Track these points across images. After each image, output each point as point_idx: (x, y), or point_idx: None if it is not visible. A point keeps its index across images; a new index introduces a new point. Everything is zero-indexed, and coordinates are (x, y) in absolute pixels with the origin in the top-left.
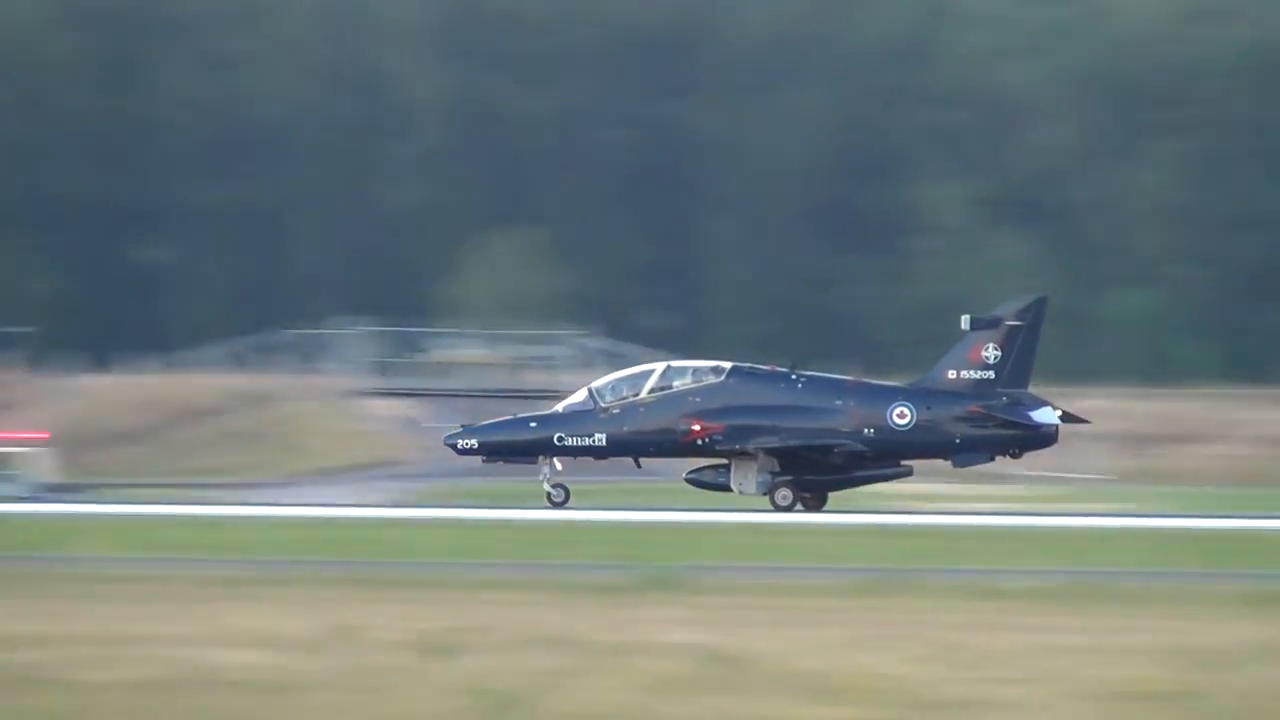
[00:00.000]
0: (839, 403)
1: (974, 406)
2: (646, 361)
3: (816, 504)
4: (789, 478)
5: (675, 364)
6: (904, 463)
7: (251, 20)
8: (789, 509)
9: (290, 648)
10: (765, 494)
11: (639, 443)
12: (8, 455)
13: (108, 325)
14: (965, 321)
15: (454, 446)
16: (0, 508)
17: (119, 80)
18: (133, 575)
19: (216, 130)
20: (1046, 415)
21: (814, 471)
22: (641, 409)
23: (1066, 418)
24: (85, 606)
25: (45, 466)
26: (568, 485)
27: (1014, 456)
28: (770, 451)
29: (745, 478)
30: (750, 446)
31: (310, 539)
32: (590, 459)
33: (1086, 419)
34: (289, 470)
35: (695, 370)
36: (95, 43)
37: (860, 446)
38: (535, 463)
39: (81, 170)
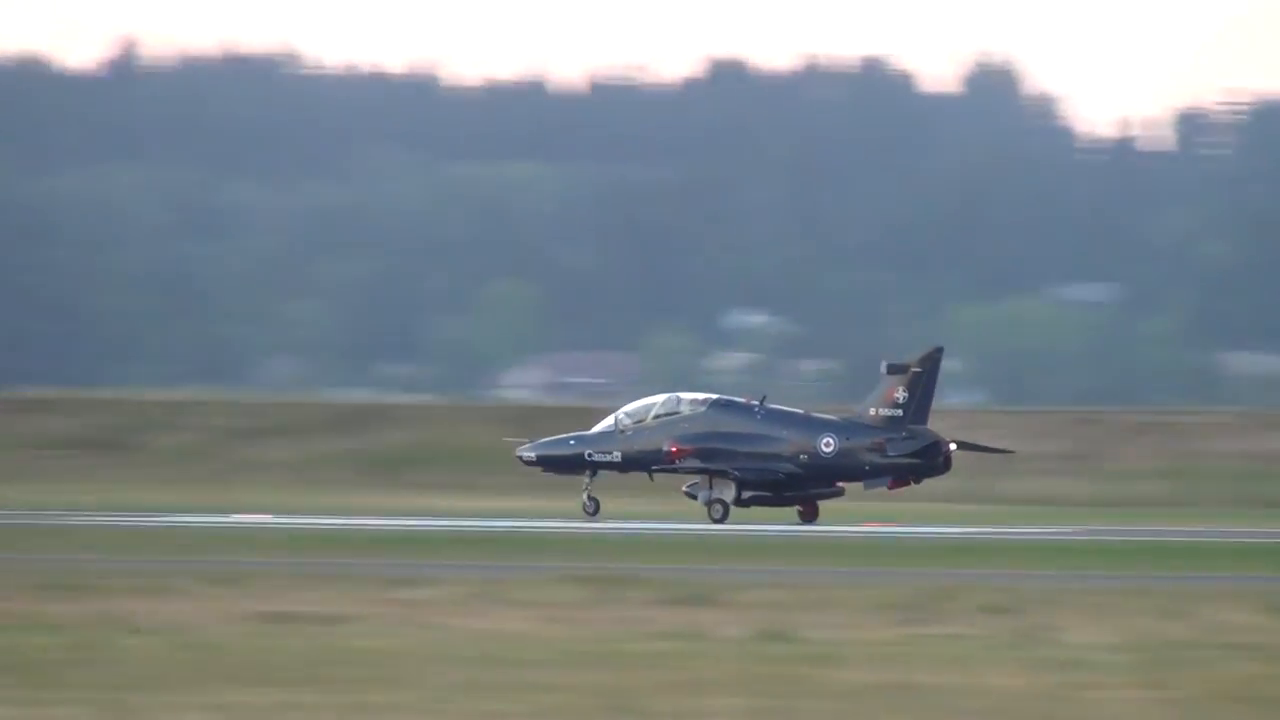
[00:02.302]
0: (784, 432)
1: (878, 439)
2: None
3: (809, 516)
4: (721, 494)
5: (679, 395)
6: (837, 484)
7: None
8: (720, 521)
9: None
10: (705, 506)
11: (644, 460)
12: None
13: None
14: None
15: (521, 459)
16: None
17: None
18: None
19: None
20: (935, 448)
21: (759, 490)
22: (646, 431)
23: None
24: None
25: None
26: (598, 498)
27: (915, 482)
28: (711, 473)
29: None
30: (681, 466)
31: None
32: (615, 473)
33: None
34: None
35: (691, 400)
36: None
37: (795, 469)
38: (579, 474)
39: None
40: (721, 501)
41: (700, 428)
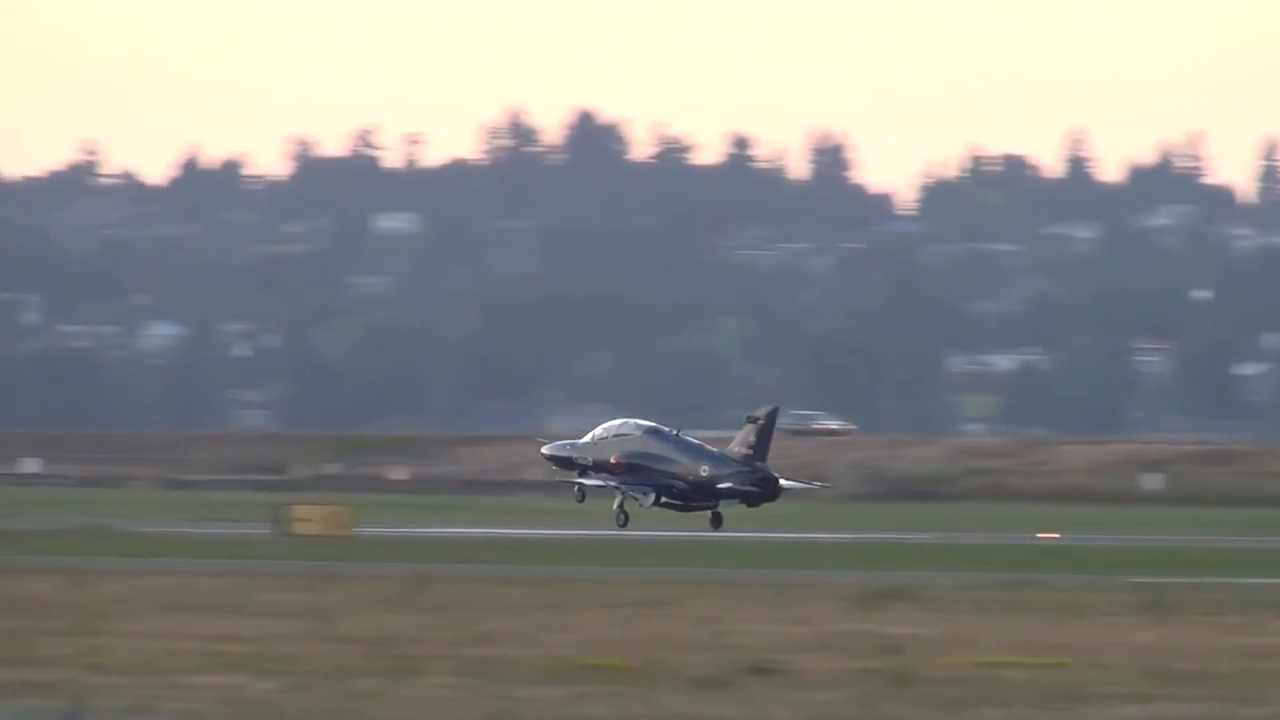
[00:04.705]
0: (682, 457)
1: (734, 469)
2: None
3: (717, 522)
4: (632, 502)
5: (636, 420)
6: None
7: None
8: (623, 526)
9: None
10: (615, 511)
11: (604, 467)
12: None
13: None
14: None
15: (544, 455)
16: None
17: None
18: None
19: None
20: (769, 481)
21: (668, 498)
22: (606, 445)
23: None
24: None
25: None
26: (586, 490)
27: (755, 505)
28: (616, 487)
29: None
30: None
31: None
32: (590, 473)
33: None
34: None
35: (637, 425)
36: None
37: (685, 486)
38: (573, 471)
39: None
40: (625, 511)
41: (633, 447)
